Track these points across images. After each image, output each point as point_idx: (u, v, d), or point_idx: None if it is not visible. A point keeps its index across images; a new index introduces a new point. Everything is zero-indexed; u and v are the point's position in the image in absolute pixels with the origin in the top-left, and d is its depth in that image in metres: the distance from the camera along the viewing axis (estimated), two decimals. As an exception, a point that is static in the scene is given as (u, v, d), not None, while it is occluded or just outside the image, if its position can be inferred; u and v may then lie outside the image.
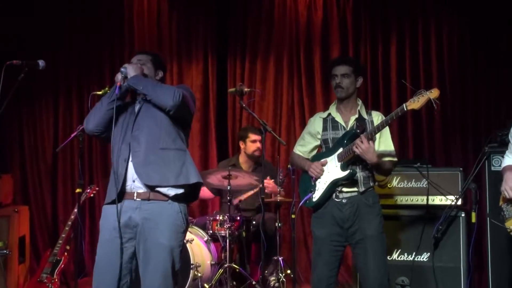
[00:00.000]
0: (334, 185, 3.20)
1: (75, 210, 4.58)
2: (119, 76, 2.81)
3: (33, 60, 2.94)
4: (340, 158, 3.20)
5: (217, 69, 5.76)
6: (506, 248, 3.73)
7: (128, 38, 5.75)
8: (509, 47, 4.99)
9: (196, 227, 4.56)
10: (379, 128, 3.12)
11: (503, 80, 5.03)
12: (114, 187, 2.72)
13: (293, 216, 4.26)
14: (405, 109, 3.02)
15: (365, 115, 3.31)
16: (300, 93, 5.56)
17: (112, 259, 2.71)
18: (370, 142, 3.08)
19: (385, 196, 4.09)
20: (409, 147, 5.23)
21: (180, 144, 2.83)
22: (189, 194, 2.80)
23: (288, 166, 4.36)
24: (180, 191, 2.75)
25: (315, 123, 3.39)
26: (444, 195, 3.98)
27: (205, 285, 4.31)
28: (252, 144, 4.87)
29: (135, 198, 2.74)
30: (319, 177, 3.25)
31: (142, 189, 2.75)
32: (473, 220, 3.84)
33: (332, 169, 3.22)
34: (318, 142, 3.37)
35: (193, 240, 4.33)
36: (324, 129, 3.33)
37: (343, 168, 3.18)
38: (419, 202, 4.08)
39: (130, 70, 2.81)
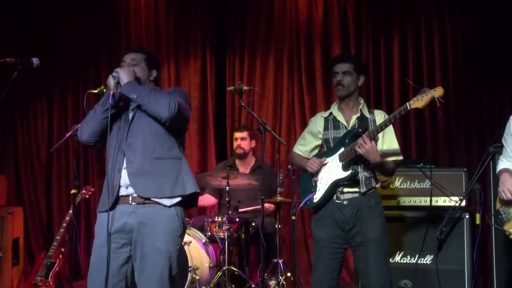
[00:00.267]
0: (336, 186, 3.17)
1: (70, 211, 4.56)
2: (111, 82, 2.72)
3: (27, 58, 2.90)
4: (341, 158, 3.16)
5: (216, 67, 5.70)
6: (511, 250, 3.68)
7: (125, 35, 5.71)
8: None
9: (194, 229, 4.53)
10: (382, 127, 3.07)
11: (507, 79, 4.96)
12: (107, 197, 2.68)
13: (293, 217, 4.22)
14: (409, 108, 2.98)
15: (367, 114, 3.27)
16: (301, 91, 5.48)
17: (105, 265, 2.65)
18: (372, 141, 3.04)
19: (387, 197, 4.05)
20: (412, 147, 5.16)
21: (176, 152, 2.78)
22: (186, 202, 2.77)
23: (288, 166, 4.32)
24: (177, 200, 2.72)
25: (317, 123, 3.35)
26: (448, 196, 3.93)
27: (203, 288, 4.28)
28: (235, 142, 4.92)
29: (130, 202, 2.71)
30: (318, 173, 3.20)
31: (136, 194, 2.71)
32: (478, 221, 3.78)
33: (333, 169, 3.19)
34: (319, 142, 3.34)
35: (191, 242, 4.30)
36: (326, 128, 3.29)
37: (345, 168, 3.15)
38: (422, 203, 4.04)
39: (122, 75, 2.72)
